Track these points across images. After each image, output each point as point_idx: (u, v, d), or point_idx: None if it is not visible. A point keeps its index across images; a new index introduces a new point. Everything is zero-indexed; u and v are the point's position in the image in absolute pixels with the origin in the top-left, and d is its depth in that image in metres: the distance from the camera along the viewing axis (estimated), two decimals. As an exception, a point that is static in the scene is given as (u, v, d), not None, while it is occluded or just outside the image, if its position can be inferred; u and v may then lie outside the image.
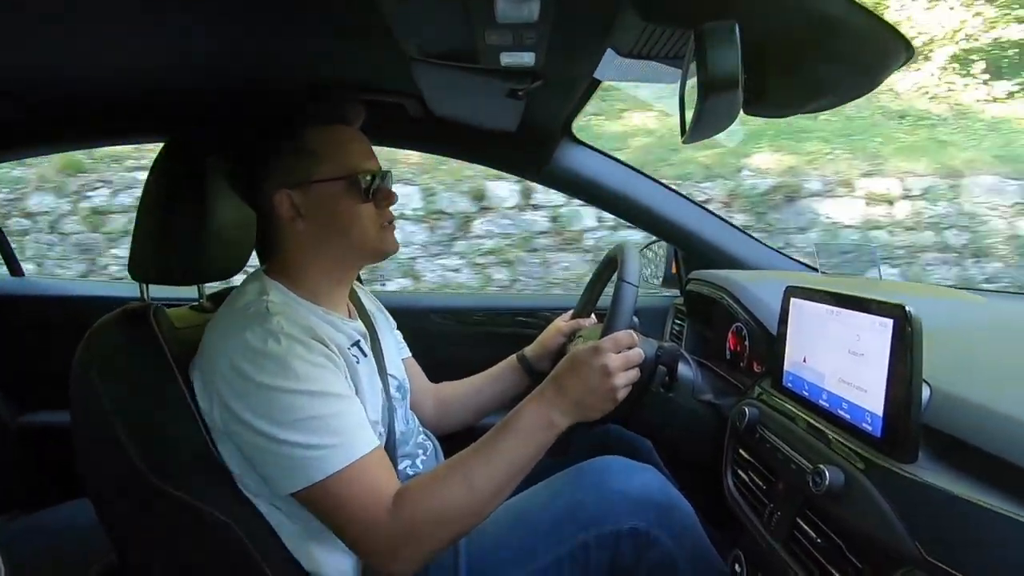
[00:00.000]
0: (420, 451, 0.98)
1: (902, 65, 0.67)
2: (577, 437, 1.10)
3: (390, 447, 0.87)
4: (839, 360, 0.67)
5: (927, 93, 5.49)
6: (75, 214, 4.15)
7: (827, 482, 0.60)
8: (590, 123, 4.78)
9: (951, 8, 5.66)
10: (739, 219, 4.18)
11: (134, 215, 0.89)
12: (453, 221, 4.11)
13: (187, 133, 0.92)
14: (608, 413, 0.82)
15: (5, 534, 1.23)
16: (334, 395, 0.74)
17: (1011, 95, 5.48)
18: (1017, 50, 5.63)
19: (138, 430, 0.78)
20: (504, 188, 4.08)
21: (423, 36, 0.73)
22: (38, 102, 1.02)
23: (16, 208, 4.17)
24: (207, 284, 1.00)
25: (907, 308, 0.57)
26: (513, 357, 1.17)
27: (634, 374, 0.82)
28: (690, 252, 1.43)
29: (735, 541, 0.87)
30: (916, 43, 5.26)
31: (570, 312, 1.18)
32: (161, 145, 0.90)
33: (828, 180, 4.25)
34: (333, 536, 0.76)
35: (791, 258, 1.44)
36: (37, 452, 1.51)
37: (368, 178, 0.85)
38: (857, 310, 0.65)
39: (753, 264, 1.38)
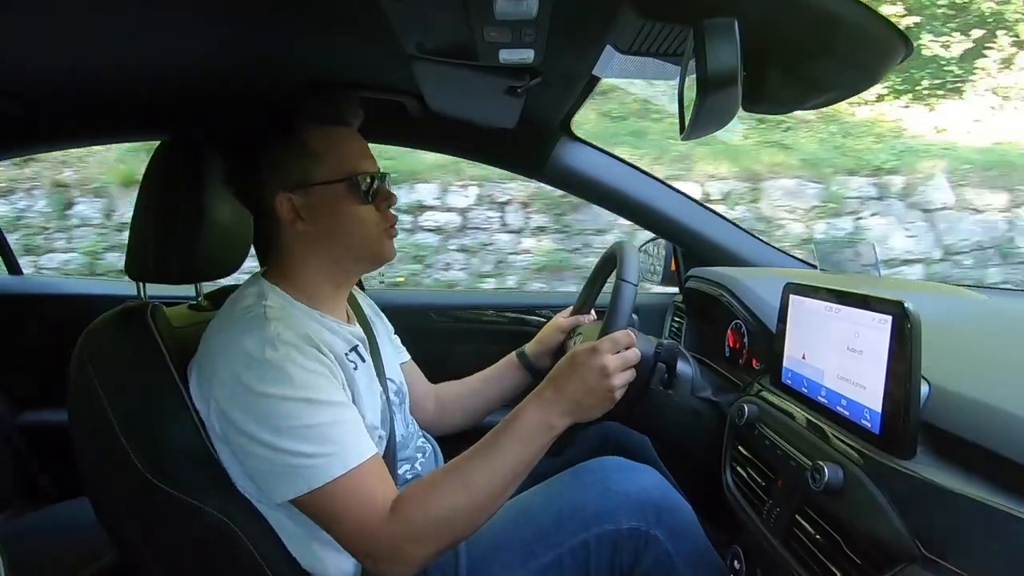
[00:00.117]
0: (419, 454, 0.98)
1: (901, 61, 0.67)
2: (577, 435, 1.10)
3: (390, 451, 0.87)
4: (838, 357, 0.67)
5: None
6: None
7: (826, 479, 0.60)
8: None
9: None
10: (537, 220, 4.23)
11: None
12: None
13: (185, 132, 0.92)
14: (606, 412, 0.82)
15: (4, 533, 1.23)
16: (331, 403, 0.74)
17: (880, 98, 5.54)
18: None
19: (136, 429, 0.78)
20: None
21: (422, 34, 0.73)
22: (36, 100, 1.02)
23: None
24: (204, 283, 1.00)
25: (906, 305, 0.57)
26: (513, 355, 1.17)
27: (631, 374, 0.82)
28: (689, 249, 1.42)
29: (734, 539, 0.87)
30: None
31: (570, 309, 1.18)
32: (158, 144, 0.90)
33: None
34: None
35: (790, 255, 1.44)
36: (36, 451, 1.51)
37: (367, 180, 0.85)
38: (856, 307, 0.65)
39: (752, 261, 1.38)
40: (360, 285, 1.48)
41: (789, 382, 0.78)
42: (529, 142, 1.26)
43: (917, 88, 5.55)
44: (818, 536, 0.63)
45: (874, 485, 0.57)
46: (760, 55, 0.68)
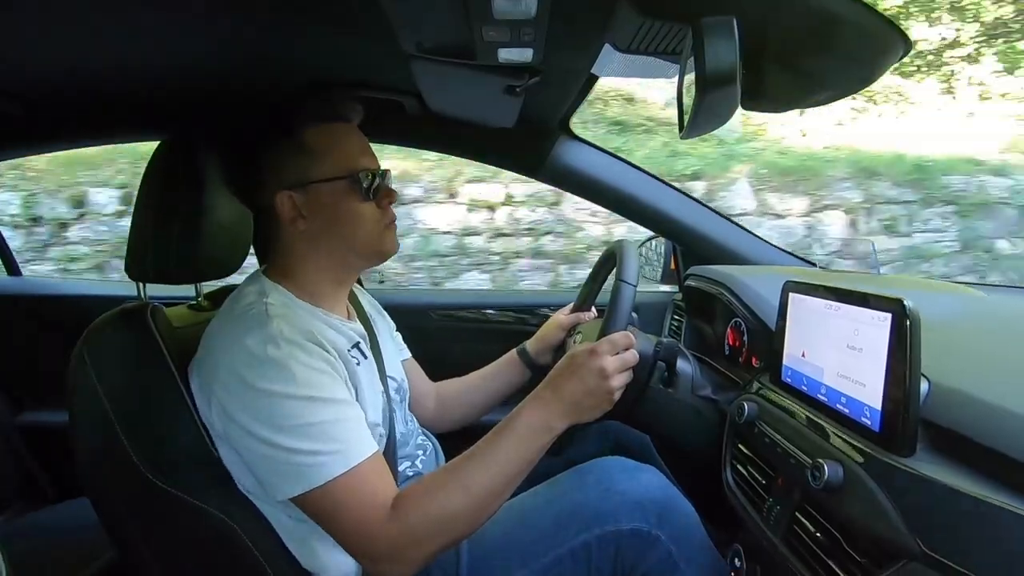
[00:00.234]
0: (420, 452, 0.98)
1: (900, 59, 0.67)
2: (577, 434, 1.11)
3: (390, 449, 0.87)
4: (838, 355, 0.67)
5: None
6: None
7: (826, 476, 0.60)
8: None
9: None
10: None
11: None
12: (48, 227, 3.95)
13: (185, 132, 0.92)
14: (606, 412, 0.82)
15: (4, 533, 1.23)
16: (333, 400, 0.74)
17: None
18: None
19: (136, 429, 0.78)
20: (104, 195, 3.94)
21: (421, 33, 0.73)
22: (36, 100, 1.01)
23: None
24: (204, 283, 1.00)
25: (905, 302, 0.57)
26: (513, 352, 1.17)
27: (629, 376, 0.83)
28: (689, 248, 1.43)
29: (734, 537, 0.87)
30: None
31: (571, 306, 1.18)
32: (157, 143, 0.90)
33: (431, 187, 4.20)
34: None
35: (789, 253, 1.44)
36: (36, 451, 1.51)
37: (368, 177, 0.85)
38: (856, 305, 0.65)
39: (752, 259, 1.39)
40: (360, 282, 1.48)
41: (789, 380, 0.78)
42: (528, 141, 1.26)
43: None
44: (818, 534, 0.64)
45: (874, 483, 0.57)
46: (759, 53, 0.68)
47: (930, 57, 5.26)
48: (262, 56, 0.87)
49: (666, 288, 1.59)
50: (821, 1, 0.60)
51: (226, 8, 0.70)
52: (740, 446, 0.85)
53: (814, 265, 1.43)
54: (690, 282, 1.29)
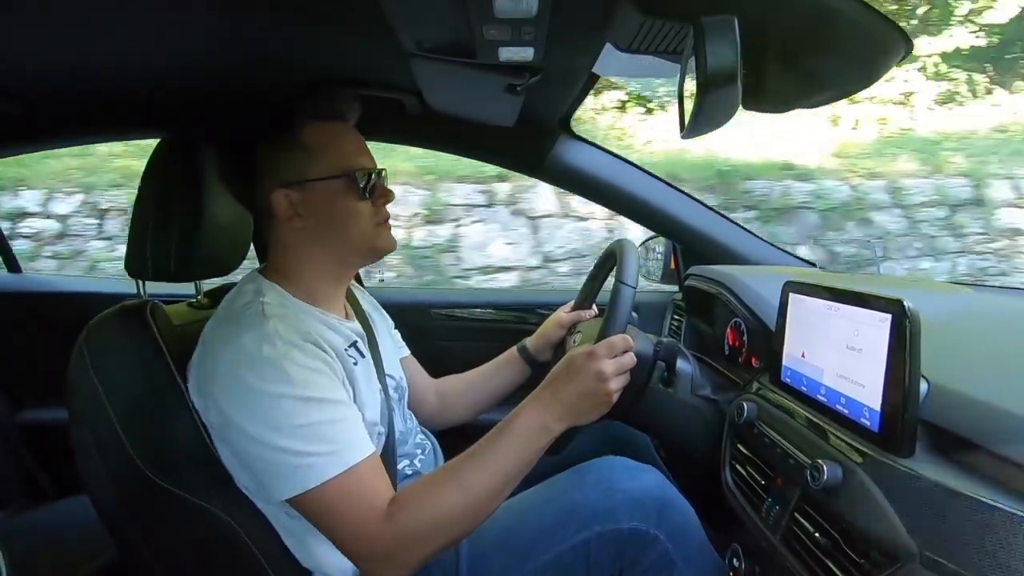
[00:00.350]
0: (418, 450, 0.98)
1: (902, 59, 0.67)
2: (577, 434, 1.10)
3: (389, 447, 0.87)
4: (837, 355, 0.67)
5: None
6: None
7: (825, 477, 0.60)
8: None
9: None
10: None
11: None
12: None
13: (184, 130, 0.92)
14: (604, 414, 0.82)
15: (4, 531, 1.23)
16: (330, 401, 0.74)
17: (623, 105, 5.59)
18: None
19: (136, 427, 0.78)
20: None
21: (422, 32, 0.73)
22: (36, 99, 1.01)
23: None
24: (204, 280, 0.99)
25: (905, 303, 0.57)
26: (513, 349, 1.17)
27: (627, 378, 0.83)
28: (689, 248, 1.43)
29: (733, 537, 0.87)
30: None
31: (571, 303, 1.18)
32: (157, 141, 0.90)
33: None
34: None
35: (790, 253, 1.44)
36: (36, 449, 1.50)
37: (365, 176, 0.85)
38: (856, 305, 0.65)
39: (752, 259, 1.38)
40: (359, 280, 1.48)
41: (788, 380, 0.78)
42: (528, 140, 1.26)
43: (653, 97, 5.63)
44: (817, 534, 0.63)
45: (873, 483, 0.57)
46: (760, 53, 0.68)
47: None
48: (262, 56, 0.87)
49: (666, 288, 1.59)
50: (821, 0, 0.60)
51: (226, 8, 0.70)
52: (739, 446, 0.85)
53: (814, 265, 1.43)
54: (690, 282, 1.29)
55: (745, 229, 1.43)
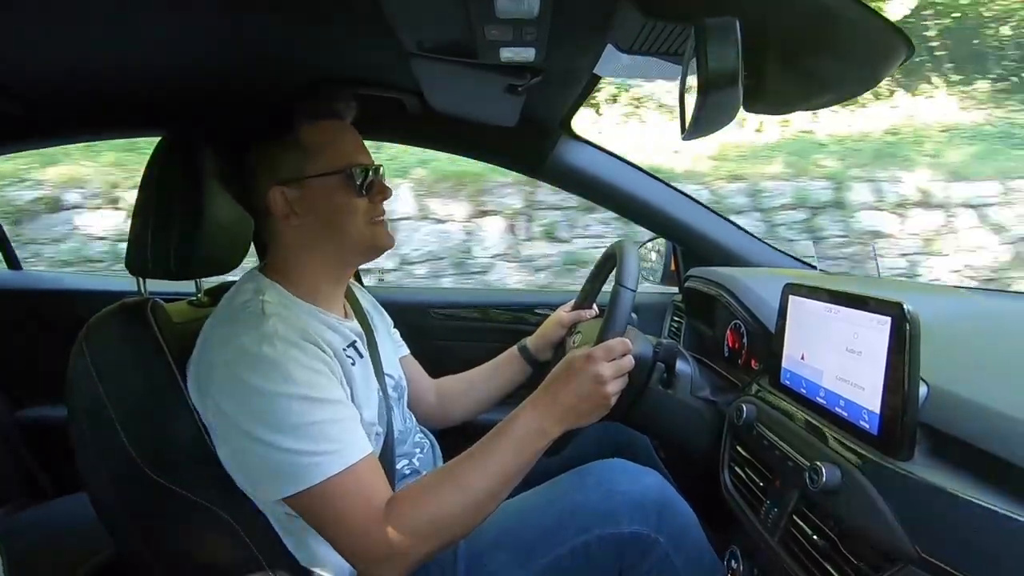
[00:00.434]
0: (417, 449, 0.98)
1: (903, 62, 0.67)
2: (577, 435, 1.10)
3: (388, 447, 0.87)
4: (837, 358, 0.67)
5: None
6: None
7: (824, 479, 0.60)
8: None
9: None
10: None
11: None
12: None
13: (184, 128, 0.92)
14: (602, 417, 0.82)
15: (3, 529, 1.23)
16: (328, 400, 0.74)
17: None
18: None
19: (135, 425, 0.78)
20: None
21: (423, 32, 0.73)
22: (36, 99, 1.01)
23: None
24: (205, 278, 1.00)
25: (905, 306, 0.57)
26: (514, 348, 1.17)
27: (625, 381, 0.83)
28: (689, 249, 1.42)
29: (731, 539, 0.87)
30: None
31: (571, 303, 1.18)
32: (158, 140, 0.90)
33: (90, 193, 4.16)
34: None
35: (790, 255, 1.44)
36: (35, 447, 1.51)
37: (362, 173, 0.85)
38: (855, 308, 0.65)
39: (752, 261, 1.38)
40: (359, 279, 1.48)
41: (788, 383, 0.78)
42: (529, 140, 1.26)
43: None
44: (815, 537, 0.63)
45: (872, 486, 0.57)
46: (761, 54, 0.68)
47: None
48: (262, 56, 0.87)
49: (666, 289, 1.59)
50: (823, 3, 0.60)
51: (226, 8, 0.70)
52: (738, 448, 0.85)
53: (814, 268, 1.43)
54: (690, 283, 1.29)
55: (745, 231, 1.43)
